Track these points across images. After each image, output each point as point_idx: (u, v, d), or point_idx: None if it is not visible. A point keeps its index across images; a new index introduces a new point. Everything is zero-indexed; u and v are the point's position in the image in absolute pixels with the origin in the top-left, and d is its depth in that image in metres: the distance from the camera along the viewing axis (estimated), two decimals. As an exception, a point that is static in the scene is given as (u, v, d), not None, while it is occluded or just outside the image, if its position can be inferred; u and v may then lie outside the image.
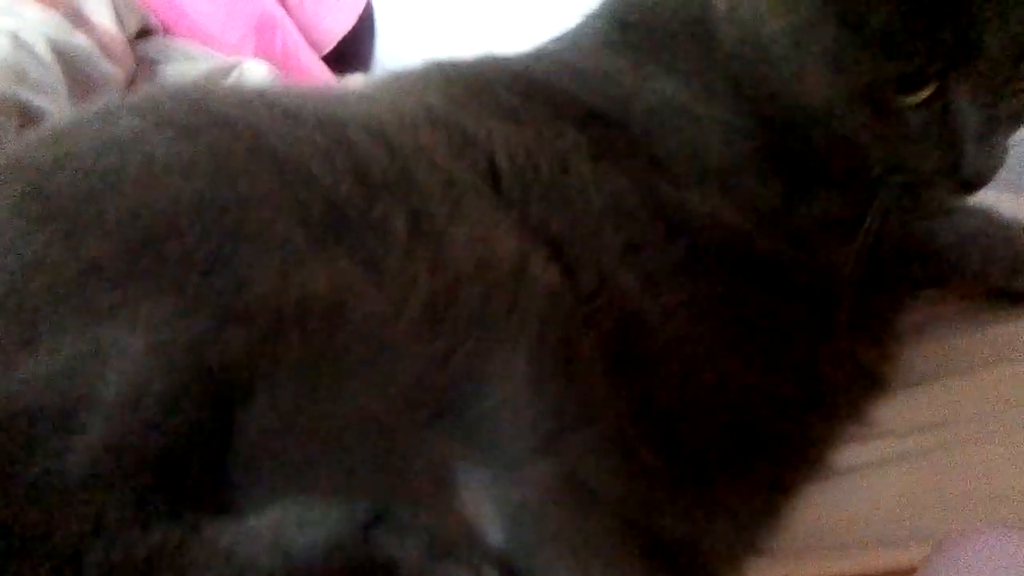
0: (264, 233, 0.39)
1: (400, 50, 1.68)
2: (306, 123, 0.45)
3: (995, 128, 0.48)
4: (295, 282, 0.38)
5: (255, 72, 1.02)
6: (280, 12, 1.46)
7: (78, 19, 0.88)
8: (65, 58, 0.83)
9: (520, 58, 0.60)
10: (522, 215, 0.47)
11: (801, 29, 0.49)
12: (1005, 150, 0.51)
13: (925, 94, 0.47)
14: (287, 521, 0.33)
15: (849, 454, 0.52)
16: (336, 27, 1.60)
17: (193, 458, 0.34)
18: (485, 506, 0.38)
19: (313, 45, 1.55)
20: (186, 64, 1.02)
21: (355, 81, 1.56)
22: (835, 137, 0.50)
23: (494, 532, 0.38)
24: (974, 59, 0.46)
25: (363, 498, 0.35)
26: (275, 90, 0.52)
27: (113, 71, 0.88)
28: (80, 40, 0.86)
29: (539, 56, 0.60)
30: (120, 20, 0.94)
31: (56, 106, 0.77)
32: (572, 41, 0.60)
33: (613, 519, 0.41)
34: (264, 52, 1.38)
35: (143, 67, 0.97)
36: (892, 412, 0.54)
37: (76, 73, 0.84)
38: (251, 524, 0.33)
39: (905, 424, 0.53)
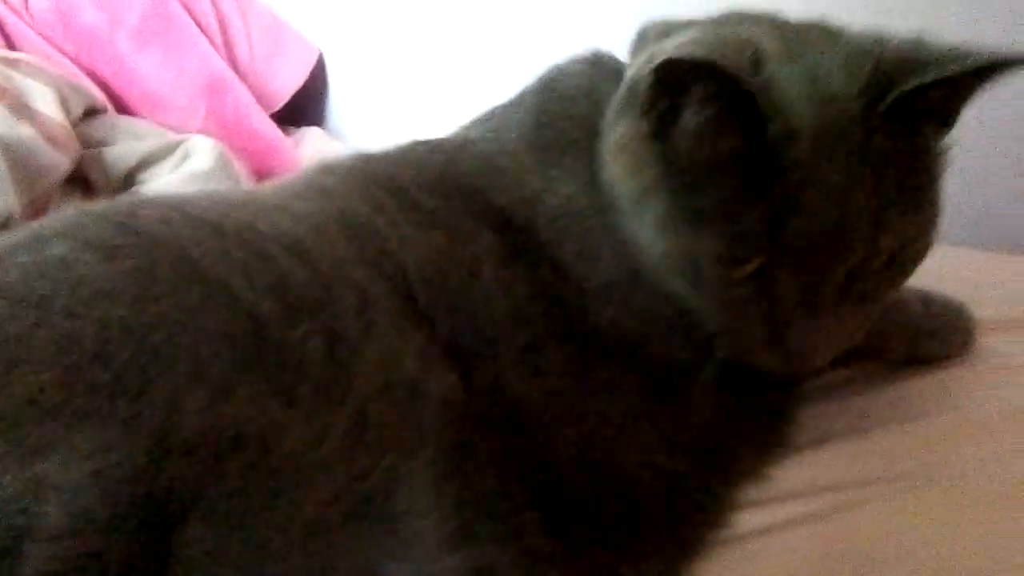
0: (190, 357, 0.41)
1: (352, 103, 1.71)
2: (228, 237, 0.47)
3: (818, 310, 0.49)
4: (224, 413, 0.40)
5: (201, 147, 1.04)
6: (230, 73, 1.48)
7: (22, 110, 0.90)
8: (9, 150, 0.85)
9: (446, 149, 0.61)
10: (429, 326, 0.49)
11: (641, 193, 0.52)
12: (850, 335, 0.52)
13: (750, 268, 0.49)
14: None
15: (754, 517, 0.53)
16: (288, 82, 1.62)
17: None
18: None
19: (266, 101, 1.58)
20: (132, 143, 1.04)
21: (310, 136, 1.59)
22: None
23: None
24: (786, 242, 0.47)
25: None
26: (198, 200, 0.53)
27: (58, 158, 0.91)
28: (24, 131, 0.89)
29: (464, 146, 0.61)
30: (65, 106, 0.97)
31: (1, 198, 0.79)
32: (495, 131, 0.61)
33: None
34: (215, 113, 1.41)
35: (89, 149, 0.99)
36: (798, 473, 0.55)
37: (20, 163, 0.86)
38: None
39: (811, 485, 0.54)
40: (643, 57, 0.54)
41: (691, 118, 0.49)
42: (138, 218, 0.47)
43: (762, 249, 0.48)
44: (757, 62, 0.48)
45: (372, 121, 1.67)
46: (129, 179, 1.00)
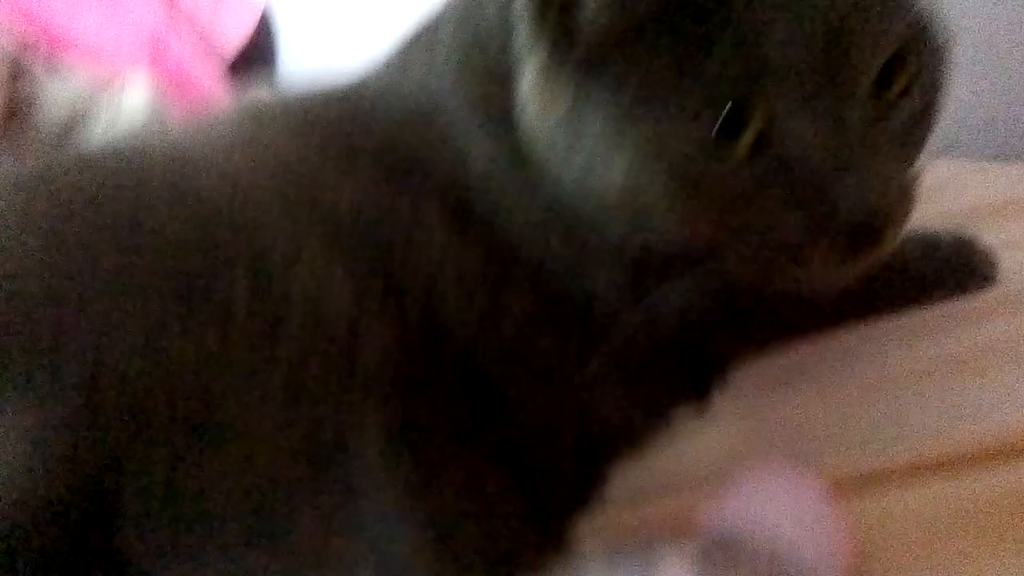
0: (118, 307, 0.39)
1: (303, 53, 1.68)
2: (153, 184, 0.45)
3: (861, 148, 0.39)
4: (157, 352, 0.39)
5: (136, 87, 1.02)
6: (173, 25, 1.45)
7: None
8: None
9: (376, 98, 0.55)
10: (364, 267, 0.47)
11: (573, 117, 0.44)
12: (911, 181, 0.42)
13: (750, 135, 0.39)
14: None
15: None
16: (234, 34, 1.60)
17: (80, 550, 0.35)
18: (367, 556, 0.40)
19: (211, 54, 1.55)
20: (63, 84, 1.02)
21: (257, 89, 1.57)
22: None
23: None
24: (773, 79, 0.38)
25: (255, 558, 0.37)
26: (124, 147, 0.51)
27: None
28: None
29: (395, 96, 0.54)
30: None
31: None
32: (421, 77, 0.54)
33: (478, 565, 0.43)
34: (158, 65, 1.38)
35: (18, 111, 0.97)
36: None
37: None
38: None
39: (738, 381, 0.54)
40: None
41: None
42: (58, 175, 0.46)
43: (747, 81, 0.38)
44: None
45: (321, 72, 1.64)
46: (65, 137, 0.98)
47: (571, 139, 0.44)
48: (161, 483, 0.37)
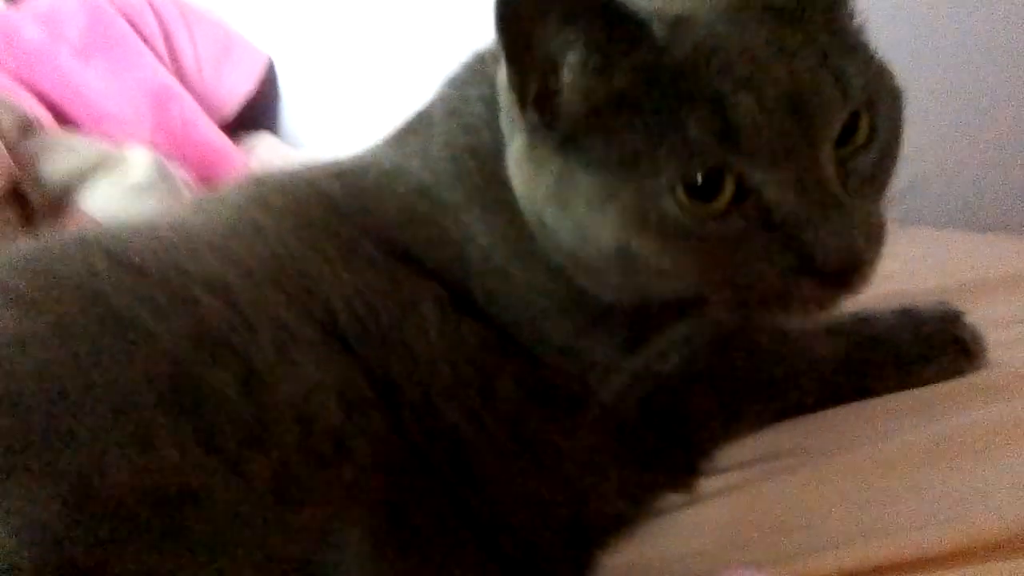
0: (109, 403, 0.40)
1: (304, 108, 1.71)
2: (151, 279, 0.46)
3: (830, 195, 0.42)
4: (147, 461, 0.39)
5: (138, 160, 1.04)
6: (176, 84, 1.48)
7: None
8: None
9: (371, 185, 0.56)
10: (357, 362, 0.48)
11: (560, 185, 0.46)
12: (879, 222, 0.44)
13: (727, 193, 0.42)
14: None
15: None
16: (237, 90, 1.62)
17: None
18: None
19: (216, 110, 1.58)
20: (67, 156, 1.04)
21: (261, 142, 1.59)
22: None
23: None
24: (744, 144, 0.41)
25: None
26: (124, 236, 0.51)
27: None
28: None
29: (388, 182, 0.55)
30: (-4, 126, 0.96)
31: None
32: (414, 167, 0.55)
33: None
34: (162, 125, 1.41)
35: (25, 166, 0.99)
36: (730, 447, 0.55)
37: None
38: None
39: (743, 456, 0.54)
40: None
41: (567, 72, 0.45)
42: (57, 263, 0.47)
43: (721, 148, 0.41)
44: None
45: (325, 126, 1.67)
46: (66, 193, 1.00)
47: (561, 207, 0.47)
48: None
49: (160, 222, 0.56)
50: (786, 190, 0.42)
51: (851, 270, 0.43)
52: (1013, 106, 0.85)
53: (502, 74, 0.49)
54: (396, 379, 0.49)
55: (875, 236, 0.45)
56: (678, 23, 0.44)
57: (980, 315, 0.59)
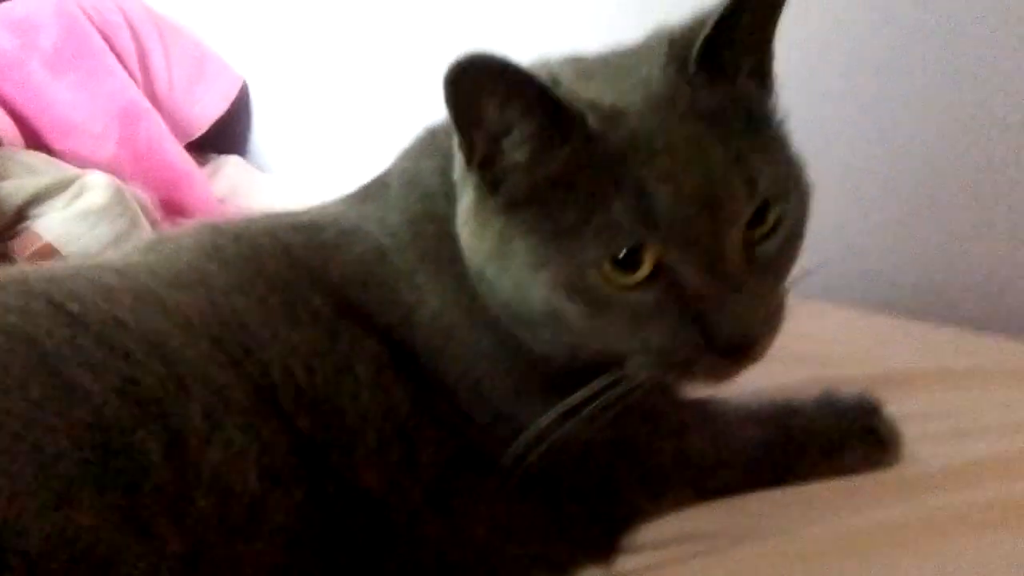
0: (33, 457, 0.40)
1: (276, 132, 1.71)
2: (88, 330, 0.46)
3: (733, 279, 0.47)
4: (67, 521, 0.39)
5: (96, 183, 1.04)
6: (145, 102, 1.48)
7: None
8: None
9: (329, 242, 0.57)
10: (287, 425, 0.49)
11: (499, 246, 0.49)
12: (777, 313, 0.49)
13: (646, 268, 0.47)
14: None
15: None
16: (208, 111, 1.62)
17: None
18: None
19: (184, 129, 1.58)
20: (26, 177, 1.04)
21: (227, 165, 1.59)
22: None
23: None
24: (663, 214, 0.46)
25: None
26: (69, 282, 0.51)
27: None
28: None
29: (346, 242, 0.57)
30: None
31: None
32: (371, 229, 0.57)
33: None
34: (127, 142, 1.40)
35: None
36: (648, 525, 0.56)
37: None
38: None
39: (661, 536, 0.55)
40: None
41: (509, 149, 0.48)
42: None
43: (642, 231, 0.46)
44: (555, 80, 0.48)
45: (295, 150, 1.67)
46: (22, 213, 0.99)
47: (501, 264, 0.50)
48: None
49: (108, 263, 0.56)
50: (696, 271, 0.47)
51: (746, 346, 0.48)
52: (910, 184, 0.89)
53: (456, 138, 0.51)
54: (323, 443, 0.50)
55: (773, 316, 0.50)
56: (612, 116, 0.48)
57: (900, 408, 0.60)
